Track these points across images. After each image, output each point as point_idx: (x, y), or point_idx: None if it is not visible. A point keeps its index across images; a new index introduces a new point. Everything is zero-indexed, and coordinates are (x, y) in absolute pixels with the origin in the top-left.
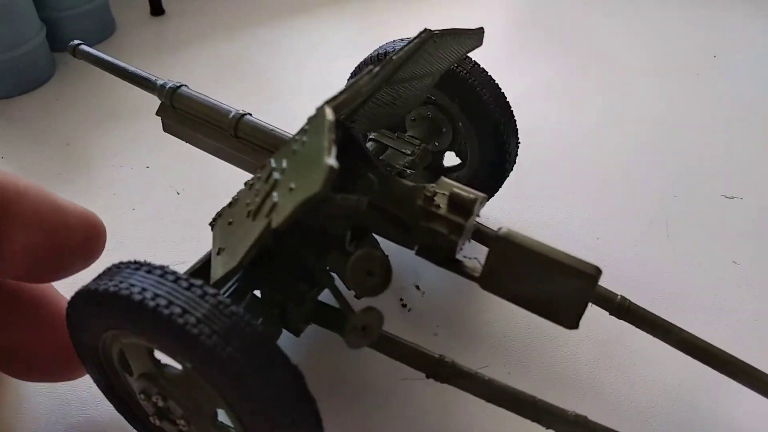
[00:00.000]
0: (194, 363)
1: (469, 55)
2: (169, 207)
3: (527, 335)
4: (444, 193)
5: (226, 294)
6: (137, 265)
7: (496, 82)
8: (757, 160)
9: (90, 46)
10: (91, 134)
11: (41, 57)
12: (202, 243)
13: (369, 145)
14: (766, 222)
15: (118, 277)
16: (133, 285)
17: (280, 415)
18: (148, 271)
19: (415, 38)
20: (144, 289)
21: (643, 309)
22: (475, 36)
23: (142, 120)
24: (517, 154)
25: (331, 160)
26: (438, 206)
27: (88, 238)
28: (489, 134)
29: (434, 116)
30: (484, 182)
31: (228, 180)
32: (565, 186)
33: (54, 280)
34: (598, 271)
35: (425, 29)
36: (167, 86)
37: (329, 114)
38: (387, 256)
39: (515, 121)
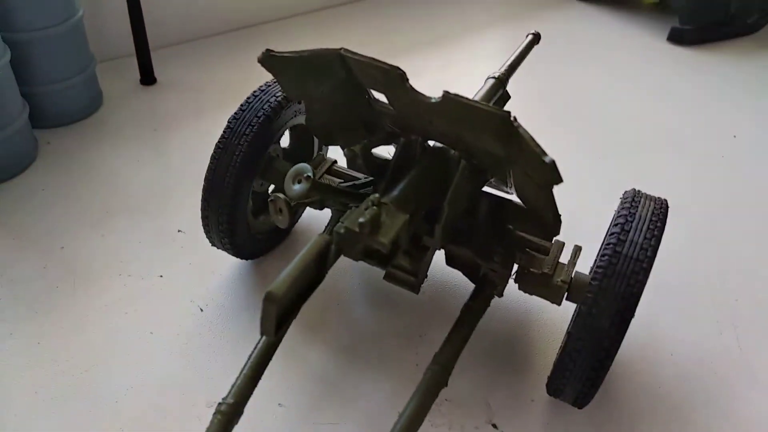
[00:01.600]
0: None
1: None
2: (192, 327)
3: None
4: None
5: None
6: None
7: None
8: None
9: (75, 122)
10: (89, 235)
11: (24, 140)
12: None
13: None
14: None
15: None
16: None
17: None
18: None
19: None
20: None
21: None
22: (548, 170)
23: (149, 217)
24: None
25: None
26: None
27: None
28: None
29: None
30: None
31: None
32: None
33: None
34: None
35: (509, 113)
36: None
37: None
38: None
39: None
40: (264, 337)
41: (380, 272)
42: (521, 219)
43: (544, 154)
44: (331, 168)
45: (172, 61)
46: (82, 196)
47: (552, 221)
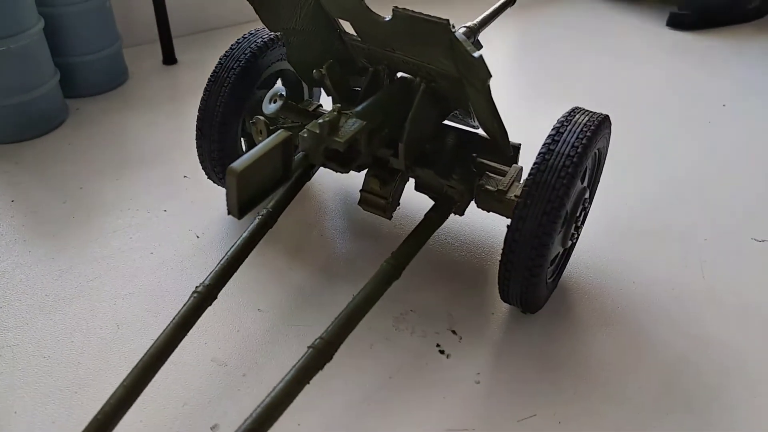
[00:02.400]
0: None
1: None
2: (188, 250)
3: (577, 384)
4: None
5: None
6: None
7: None
8: None
9: (103, 92)
10: (106, 179)
11: (54, 101)
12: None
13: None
14: None
15: None
16: None
17: None
18: None
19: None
20: None
21: None
22: (477, 66)
23: (159, 166)
24: None
25: None
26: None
27: None
28: None
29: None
30: None
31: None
32: (590, 232)
33: None
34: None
35: (447, 21)
36: None
37: None
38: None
39: None
40: (241, 236)
41: (360, 211)
42: (485, 149)
43: (474, 51)
44: (316, 110)
45: (192, 46)
46: (103, 150)
47: (501, 137)
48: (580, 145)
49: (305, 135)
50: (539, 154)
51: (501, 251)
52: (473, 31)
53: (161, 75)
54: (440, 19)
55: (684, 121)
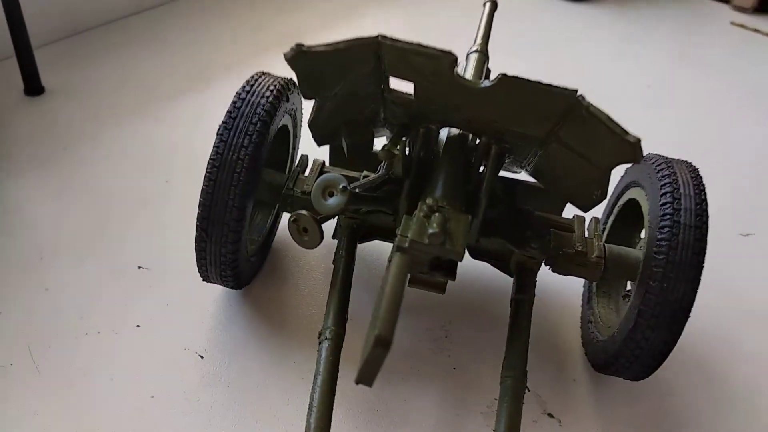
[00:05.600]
0: None
1: None
2: (196, 379)
3: None
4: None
5: None
6: None
7: None
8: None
9: None
10: (29, 293)
11: None
12: None
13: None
14: None
15: None
16: None
17: None
18: None
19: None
20: None
21: None
22: (629, 149)
23: (95, 257)
24: None
25: None
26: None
27: None
28: None
29: None
30: None
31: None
32: None
33: None
34: None
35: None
36: None
37: None
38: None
39: None
40: (319, 370)
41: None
42: (531, 197)
43: (626, 133)
44: (322, 171)
45: (58, 62)
46: (20, 236)
47: (598, 197)
48: (703, 213)
49: (406, 246)
50: (664, 228)
51: (563, 316)
52: (486, 55)
53: (23, 109)
54: (566, 89)
55: (616, 107)
